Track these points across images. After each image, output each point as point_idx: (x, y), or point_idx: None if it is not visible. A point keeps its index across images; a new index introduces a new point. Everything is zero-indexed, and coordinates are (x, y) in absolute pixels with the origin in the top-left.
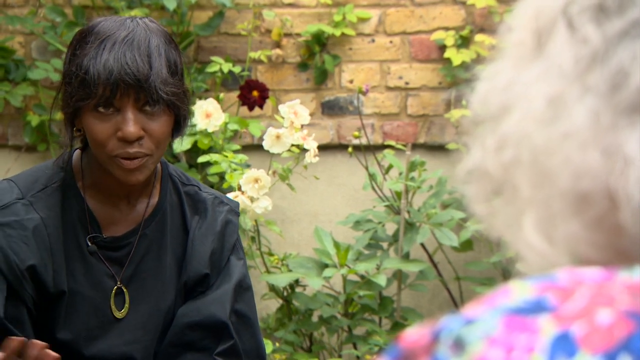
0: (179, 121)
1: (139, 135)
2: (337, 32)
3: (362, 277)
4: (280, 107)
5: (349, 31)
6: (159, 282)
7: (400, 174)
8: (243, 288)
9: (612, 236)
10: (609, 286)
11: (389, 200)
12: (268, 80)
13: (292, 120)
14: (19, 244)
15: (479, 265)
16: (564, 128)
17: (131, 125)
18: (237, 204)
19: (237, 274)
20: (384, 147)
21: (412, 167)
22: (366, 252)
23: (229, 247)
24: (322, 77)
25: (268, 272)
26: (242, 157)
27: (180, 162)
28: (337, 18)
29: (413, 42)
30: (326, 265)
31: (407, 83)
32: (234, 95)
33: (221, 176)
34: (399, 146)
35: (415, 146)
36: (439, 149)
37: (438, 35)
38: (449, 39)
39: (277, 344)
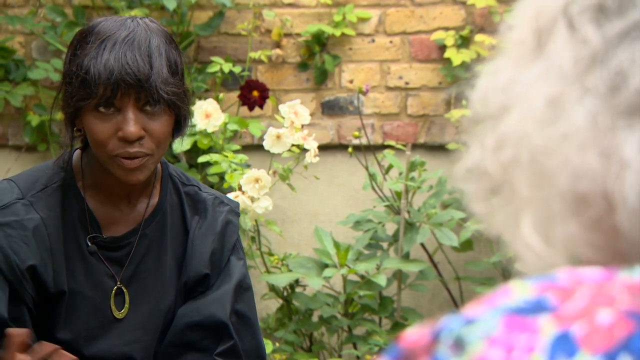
0: (180, 121)
1: (140, 135)
2: (337, 32)
3: (362, 277)
4: (281, 107)
5: (349, 31)
6: (159, 282)
7: (400, 174)
8: (243, 288)
9: (610, 237)
10: (609, 286)
11: (389, 200)
12: (268, 80)
13: (293, 120)
14: (19, 244)
15: (479, 265)
16: (563, 129)
17: (132, 125)
18: (237, 204)
19: (237, 274)
20: (384, 147)
21: (412, 167)
22: (366, 252)
23: (229, 248)
24: (322, 77)
25: (268, 272)
26: (242, 157)
27: (180, 162)
28: (337, 18)
29: (413, 42)
30: (326, 265)
31: (407, 83)
32: (234, 95)
33: (221, 176)
34: (399, 146)
35: (415, 146)
36: (439, 149)
37: (438, 35)
38: (449, 39)
39: (277, 344)
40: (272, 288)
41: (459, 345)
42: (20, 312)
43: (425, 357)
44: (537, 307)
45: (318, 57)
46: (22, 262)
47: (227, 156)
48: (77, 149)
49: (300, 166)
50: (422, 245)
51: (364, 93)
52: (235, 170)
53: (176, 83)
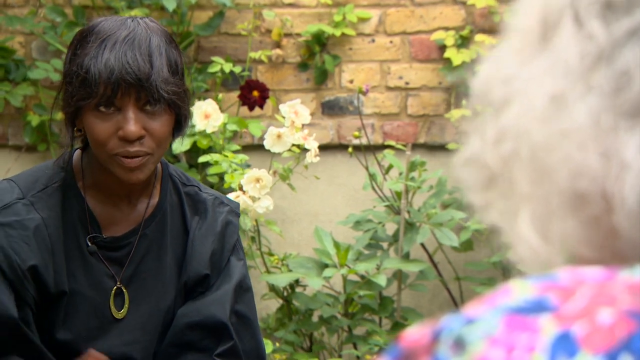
0: (180, 121)
1: (140, 135)
2: (337, 32)
3: (362, 277)
4: (281, 107)
5: (349, 31)
6: (158, 283)
7: (401, 174)
8: (243, 289)
9: (608, 237)
10: (610, 286)
11: (389, 200)
12: (268, 80)
13: (293, 119)
14: (20, 244)
15: (479, 265)
16: (565, 126)
17: (132, 124)
18: (238, 204)
19: (237, 275)
20: (384, 147)
21: (412, 167)
22: (366, 252)
23: (229, 248)
24: (322, 77)
25: (268, 272)
26: (243, 157)
27: (180, 162)
28: (337, 18)
29: (413, 42)
30: (326, 265)
31: (407, 83)
32: (234, 95)
33: (221, 176)
34: (399, 146)
35: (415, 146)
36: (439, 149)
37: (438, 35)
38: (449, 39)
39: (277, 344)
40: (272, 288)
41: (459, 345)
42: (25, 313)
43: (425, 357)
44: (538, 307)
45: (318, 57)
46: (23, 262)
47: (227, 156)
48: (77, 149)
49: (300, 166)
50: (422, 245)
51: (364, 93)
52: (235, 170)
53: (176, 82)
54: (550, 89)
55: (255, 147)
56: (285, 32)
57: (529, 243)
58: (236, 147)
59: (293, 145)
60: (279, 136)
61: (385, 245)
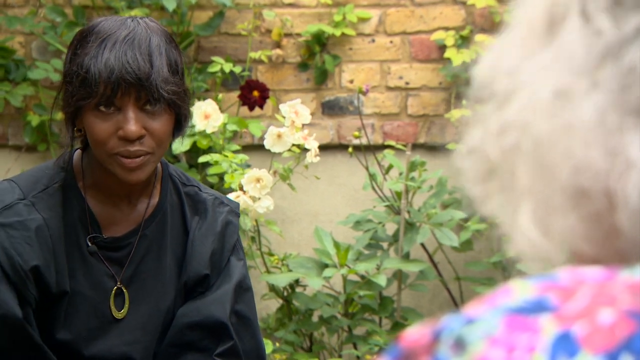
0: (180, 120)
1: (140, 134)
2: (337, 32)
3: (362, 277)
4: (281, 107)
5: (349, 31)
6: (159, 283)
7: (401, 174)
8: (243, 289)
9: (609, 234)
10: (611, 286)
11: (389, 200)
12: (268, 81)
13: (293, 119)
14: (22, 244)
15: (479, 265)
16: (569, 121)
17: (132, 124)
18: (237, 204)
19: (237, 275)
20: (384, 147)
21: (412, 167)
22: (366, 252)
23: (229, 248)
24: (323, 77)
25: (268, 272)
26: (243, 157)
27: (180, 163)
28: (337, 18)
29: (413, 42)
30: (326, 265)
31: (407, 83)
32: (234, 95)
33: (221, 176)
34: (399, 146)
35: (416, 146)
36: (439, 149)
37: (438, 35)
38: (449, 39)
39: (277, 344)
40: (272, 288)
41: (459, 345)
42: (26, 313)
43: (425, 357)
44: (538, 307)
45: (318, 57)
46: (26, 262)
47: (227, 156)
48: (77, 149)
49: (300, 166)
50: (422, 245)
51: (364, 93)
52: (235, 170)
53: (176, 82)
54: (555, 84)
55: (255, 147)
56: (285, 32)
57: (529, 237)
58: (236, 147)
59: (293, 145)
60: (279, 136)
61: (385, 245)
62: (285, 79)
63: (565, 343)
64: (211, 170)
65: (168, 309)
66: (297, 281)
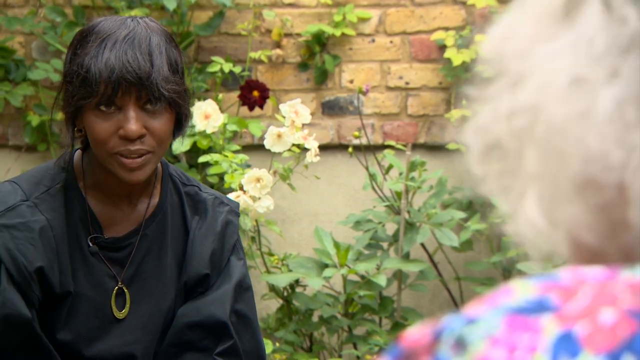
0: (180, 120)
1: (141, 133)
2: (337, 32)
3: (362, 277)
4: (281, 106)
5: (349, 31)
6: (159, 283)
7: (401, 174)
8: (243, 288)
9: (617, 228)
10: (612, 285)
11: (389, 200)
12: (268, 81)
13: (293, 119)
14: (26, 246)
15: (479, 265)
16: (584, 110)
17: (133, 123)
18: (237, 204)
19: (237, 274)
20: (384, 147)
21: (412, 167)
22: (366, 252)
23: (229, 248)
24: (323, 77)
25: (268, 272)
26: (243, 157)
27: (180, 163)
28: (337, 18)
29: (413, 42)
30: (326, 265)
31: (407, 83)
32: (234, 95)
33: (221, 176)
34: (399, 146)
35: (416, 146)
36: (439, 149)
37: (438, 35)
38: (449, 39)
39: (277, 344)
40: (272, 288)
41: (460, 345)
42: (32, 314)
43: (426, 357)
44: (540, 307)
45: (318, 57)
46: (30, 264)
47: (227, 156)
48: (77, 149)
49: (300, 166)
50: (422, 245)
51: (364, 93)
52: (235, 170)
53: (177, 81)
54: (571, 70)
55: (256, 147)
56: (285, 32)
57: (532, 222)
58: (236, 147)
59: (293, 145)
60: (279, 136)
61: (385, 245)
62: (285, 79)
63: (566, 343)
64: (211, 170)
65: (168, 309)
66: (297, 281)
